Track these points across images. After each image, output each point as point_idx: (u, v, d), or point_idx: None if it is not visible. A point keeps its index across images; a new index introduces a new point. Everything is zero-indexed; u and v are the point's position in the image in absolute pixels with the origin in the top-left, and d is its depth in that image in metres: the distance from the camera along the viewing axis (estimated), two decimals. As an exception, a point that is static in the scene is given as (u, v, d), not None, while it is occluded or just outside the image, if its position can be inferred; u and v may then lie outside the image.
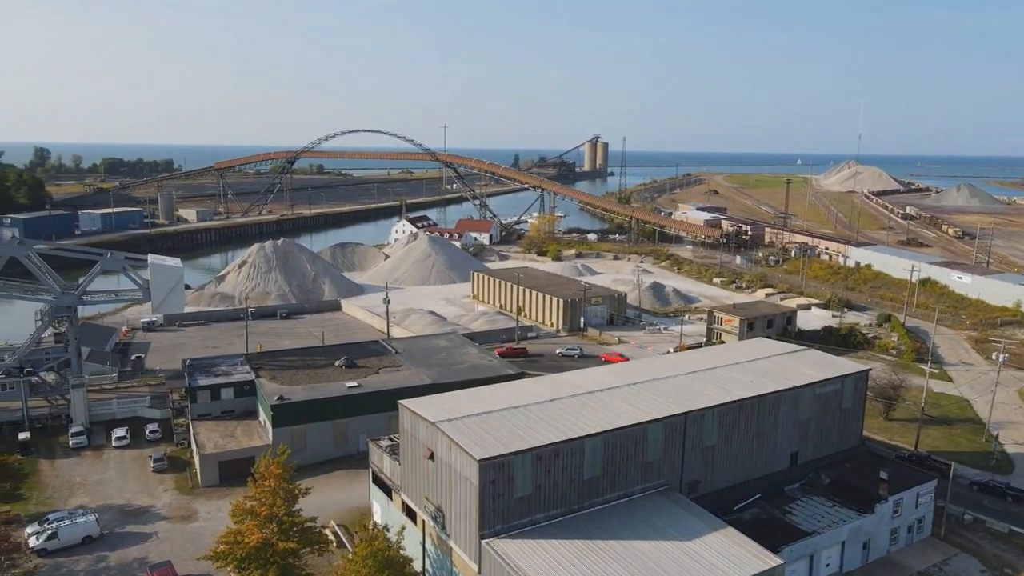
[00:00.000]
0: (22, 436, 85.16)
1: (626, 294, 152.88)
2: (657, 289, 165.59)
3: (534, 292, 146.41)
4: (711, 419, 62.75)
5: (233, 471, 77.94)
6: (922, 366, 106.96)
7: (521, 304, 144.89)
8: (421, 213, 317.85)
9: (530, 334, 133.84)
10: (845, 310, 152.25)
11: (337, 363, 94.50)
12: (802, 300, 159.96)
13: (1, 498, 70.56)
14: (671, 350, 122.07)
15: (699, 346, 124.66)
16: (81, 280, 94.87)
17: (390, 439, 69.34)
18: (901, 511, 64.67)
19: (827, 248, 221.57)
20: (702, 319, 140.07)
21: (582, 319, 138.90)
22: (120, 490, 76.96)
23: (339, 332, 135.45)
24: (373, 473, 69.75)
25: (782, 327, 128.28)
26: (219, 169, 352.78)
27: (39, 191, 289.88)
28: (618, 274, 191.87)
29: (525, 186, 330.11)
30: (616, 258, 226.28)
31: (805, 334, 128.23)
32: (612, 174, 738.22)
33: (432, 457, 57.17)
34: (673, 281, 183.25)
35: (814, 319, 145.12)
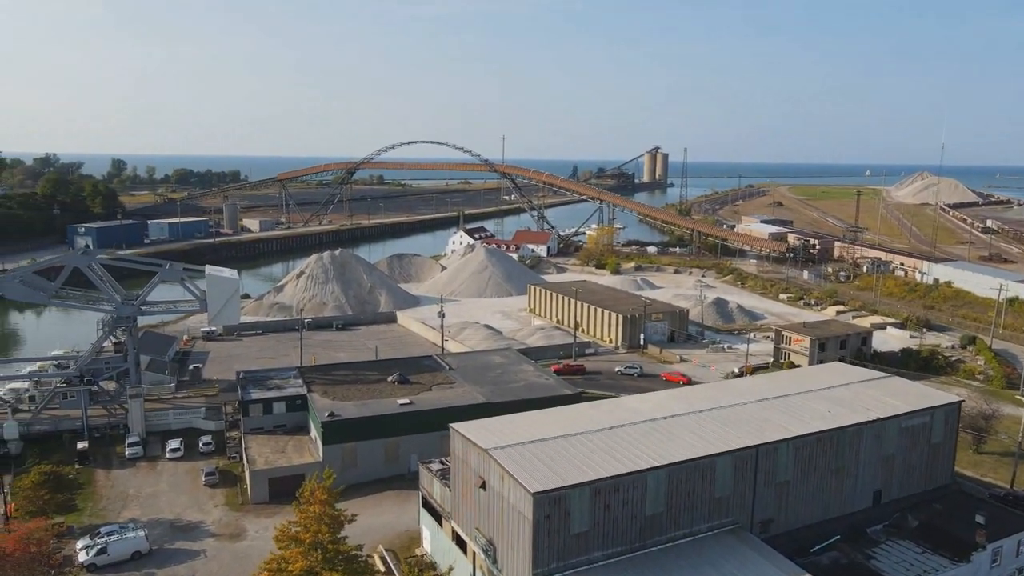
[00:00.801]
0: (80, 445, 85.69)
1: (688, 310, 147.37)
2: (720, 305, 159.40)
3: (592, 307, 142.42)
4: (786, 452, 57.89)
5: (283, 488, 76.25)
6: (1016, 394, 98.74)
7: (579, 319, 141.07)
8: (478, 224, 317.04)
9: (588, 351, 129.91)
10: (924, 331, 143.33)
11: (390, 379, 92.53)
12: (876, 319, 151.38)
13: (56, 509, 70.45)
14: (736, 370, 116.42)
15: (766, 367, 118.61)
16: (140, 291, 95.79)
17: (441, 462, 66.54)
18: (1000, 560, 58.45)
19: (902, 263, 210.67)
20: (768, 338, 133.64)
21: (642, 336, 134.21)
22: (171, 504, 76.29)
23: (394, 345, 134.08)
24: (423, 497, 67.07)
25: (856, 348, 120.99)
26: (282, 180, 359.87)
27: (113, 201, 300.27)
28: (679, 289, 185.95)
29: (583, 197, 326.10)
30: (677, 272, 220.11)
31: (881, 356, 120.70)
32: (672, 185, 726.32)
33: (484, 486, 54.06)
34: (737, 297, 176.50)
35: (891, 340, 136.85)
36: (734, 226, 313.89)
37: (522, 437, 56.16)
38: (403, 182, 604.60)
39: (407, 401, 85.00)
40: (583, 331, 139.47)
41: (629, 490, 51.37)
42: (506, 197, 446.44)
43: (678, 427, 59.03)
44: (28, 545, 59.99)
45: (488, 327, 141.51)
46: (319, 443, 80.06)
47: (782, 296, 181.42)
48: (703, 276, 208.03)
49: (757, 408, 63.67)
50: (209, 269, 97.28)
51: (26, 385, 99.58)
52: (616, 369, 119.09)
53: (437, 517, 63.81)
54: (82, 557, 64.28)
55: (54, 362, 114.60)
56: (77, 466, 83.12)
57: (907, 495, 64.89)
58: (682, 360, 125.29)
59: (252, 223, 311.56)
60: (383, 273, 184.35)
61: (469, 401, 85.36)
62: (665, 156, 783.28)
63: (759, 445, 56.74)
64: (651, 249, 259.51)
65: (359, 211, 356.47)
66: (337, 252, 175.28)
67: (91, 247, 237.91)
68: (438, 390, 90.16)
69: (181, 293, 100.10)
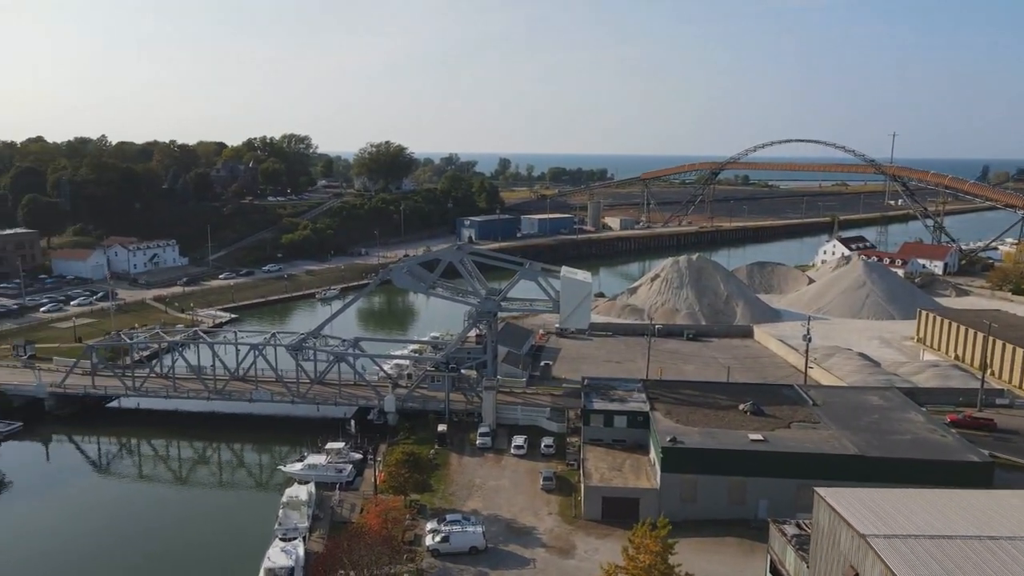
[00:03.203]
0: (440, 428, 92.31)
1: None
2: None
3: (1010, 345, 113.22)
4: None
5: (616, 509, 72.54)
6: None
7: (988, 358, 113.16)
8: (855, 232, 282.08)
9: (999, 400, 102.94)
10: None
11: (741, 407, 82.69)
12: None
13: (413, 488, 75.74)
14: None
15: None
16: (502, 285, 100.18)
17: (798, 525, 55.64)
18: None
19: None
20: None
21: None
22: (509, 502, 77.28)
23: (747, 363, 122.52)
24: (772, 562, 56.91)
25: None
26: (645, 179, 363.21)
27: (494, 197, 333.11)
28: None
29: (996, 205, 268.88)
30: None
31: None
32: None
33: (856, 580, 42.52)
34: None
35: None
36: None
37: (915, 526, 43.12)
38: (769, 183, 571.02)
39: (760, 437, 74.53)
40: (993, 374, 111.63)
41: (1088, 644, 35.54)
42: (891, 202, 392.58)
43: None
44: (386, 522, 64.81)
45: (863, 356, 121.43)
46: (657, 468, 74.23)
47: None
48: None
49: None
50: (564, 271, 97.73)
51: (407, 363, 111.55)
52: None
53: (788, 592, 53.34)
54: (428, 541, 67.64)
55: (431, 343, 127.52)
56: (436, 446, 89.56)
57: None
58: None
59: (613, 221, 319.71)
60: (741, 282, 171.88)
61: (837, 450, 71.74)
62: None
63: None
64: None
65: (720, 213, 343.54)
66: (694, 257, 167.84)
67: (473, 239, 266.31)
68: (798, 429, 77.80)
69: (538, 291, 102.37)
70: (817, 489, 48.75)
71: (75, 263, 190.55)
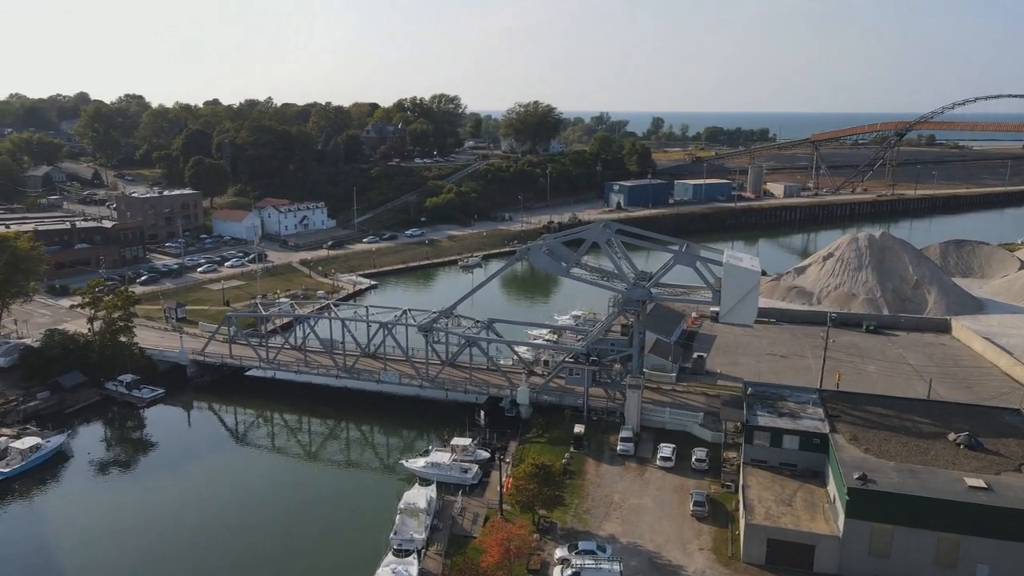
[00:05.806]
0: (577, 429, 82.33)
1: None
2: None
3: None
4: None
5: (784, 555, 60.06)
6: None
7: None
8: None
9: None
10: None
11: (952, 437, 66.44)
12: None
13: (542, 504, 66.65)
14: None
15: None
16: (655, 272, 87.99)
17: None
18: None
19: None
20: None
21: None
22: (652, 528, 66.51)
23: (946, 368, 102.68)
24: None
25: None
26: (815, 141, 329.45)
27: (646, 159, 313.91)
28: None
29: None
30: None
31: None
32: None
33: None
34: None
35: None
36: None
37: None
38: (960, 143, 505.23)
39: (981, 484, 58.56)
40: None
41: None
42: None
43: None
44: (507, 552, 56.38)
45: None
46: (840, 510, 60.39)
47: None
48: None
49: None
50: (727, 256, 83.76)
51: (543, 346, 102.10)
52: None
53: None
54: (556, 574, 58.63)
55: (571, 322, 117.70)
56: (572, 450, 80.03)
57: None
58: None
59: (776, 187, 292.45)
60: (934, 264, 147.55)
61: (1094, 512, 54.65)
62: None
63: None
64: None
65: (903, 178, 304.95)
66: (877, 235, 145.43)
67: (622, 204, 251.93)
68: (1032, 474, 60.84)
69: (694, 275, 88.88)
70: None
71: (231, 224, 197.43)
